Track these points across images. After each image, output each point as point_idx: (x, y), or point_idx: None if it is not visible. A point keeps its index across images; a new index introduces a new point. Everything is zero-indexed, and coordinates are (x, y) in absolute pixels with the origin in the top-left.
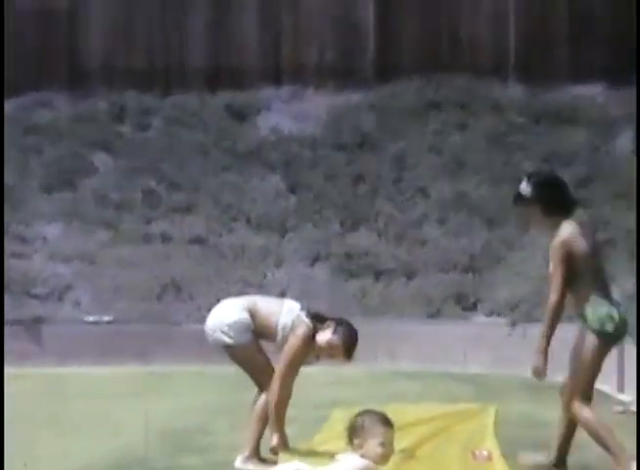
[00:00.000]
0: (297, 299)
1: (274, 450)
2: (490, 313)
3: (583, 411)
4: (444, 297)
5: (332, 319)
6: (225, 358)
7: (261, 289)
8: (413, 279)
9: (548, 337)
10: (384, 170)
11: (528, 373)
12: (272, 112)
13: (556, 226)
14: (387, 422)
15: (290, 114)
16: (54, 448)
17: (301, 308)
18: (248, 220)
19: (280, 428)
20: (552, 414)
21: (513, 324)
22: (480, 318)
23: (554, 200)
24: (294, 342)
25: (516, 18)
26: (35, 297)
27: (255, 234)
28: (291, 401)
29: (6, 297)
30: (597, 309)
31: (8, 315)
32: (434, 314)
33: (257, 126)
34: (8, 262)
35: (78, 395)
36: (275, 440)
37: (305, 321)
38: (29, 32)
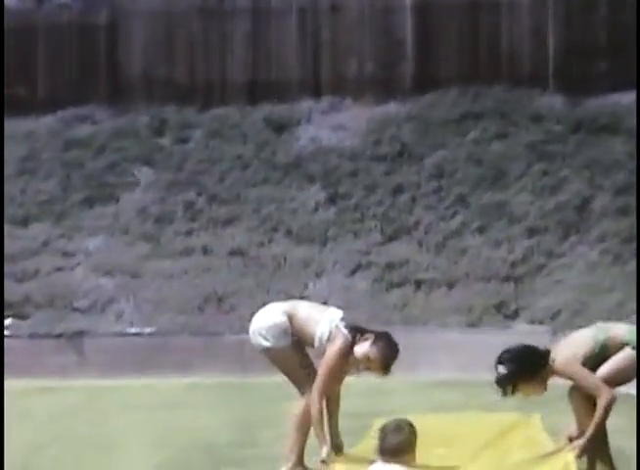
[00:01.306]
0: (338, 309)
1: (324, 462)
2: (531, 322)
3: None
4: (485, 306)
5: (372, 332)
6: (268, 369)
7: (303, 299)
8: (454, 288)
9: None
10: (423, 180)
11: (570, 382)
12: (311, 123)
13: (542, 387)
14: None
15: (329, 125)
16: (97, 462)
17: (342, 318)
18: (288, 232)
19: (324, 439)
20: None
21: (554, 332)
22: (521, 327)
23: (533, 366)
24: (330, 353)
25: (555, 27)
26: (78, 310)
27: (296, 245)
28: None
29: (49, 310)
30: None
31: (51, 329)
32: (475, 323)
33: (297, 138)
34: (50, 276)
35: (120, 407)
36: (324, 451)
37: (344, 332)
38: (70, 47)
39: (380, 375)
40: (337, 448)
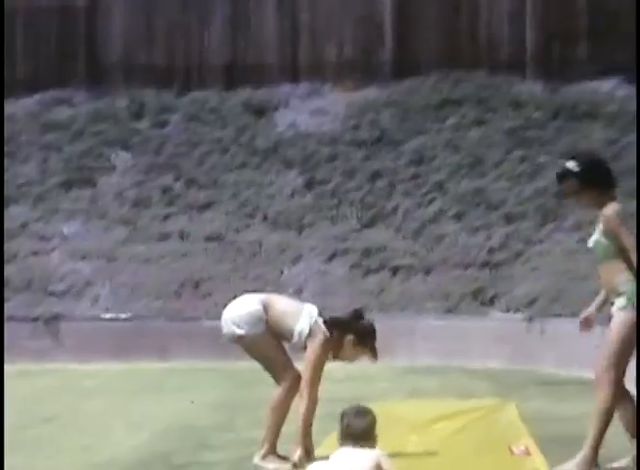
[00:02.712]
0: (315, 295)
1: (295, 466)
2: (508, 309)
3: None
4: (462, 292)
5: (344, 321)
6: (244, 355)
7: (279, 285)
8: (431, 275)
9: None
10: (401, 166)
11: (547, 368)
12: (290, 108)
13: (602, 203)
14: None
15: (308, 110)
16: (74, 445)
17: (319, 314)
18: (265, 217)
19: (306, 440)
20: (570, 410)
21: (531, 319)
22: (498, 314)
23: (600, 176)
24: (315, 349)
25: (534, 13)
26: (54, 294)
27: (273, 231)
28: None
29: (25, 294)
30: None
31: (27, 312)
32: (452, 310)
33: (275, 123)
34: (27, 259)
35: (97, 391)
36: (298, 453)
37: (322, 328)
38: (49, 30)
39: (369, 360)
40: (307, 451)
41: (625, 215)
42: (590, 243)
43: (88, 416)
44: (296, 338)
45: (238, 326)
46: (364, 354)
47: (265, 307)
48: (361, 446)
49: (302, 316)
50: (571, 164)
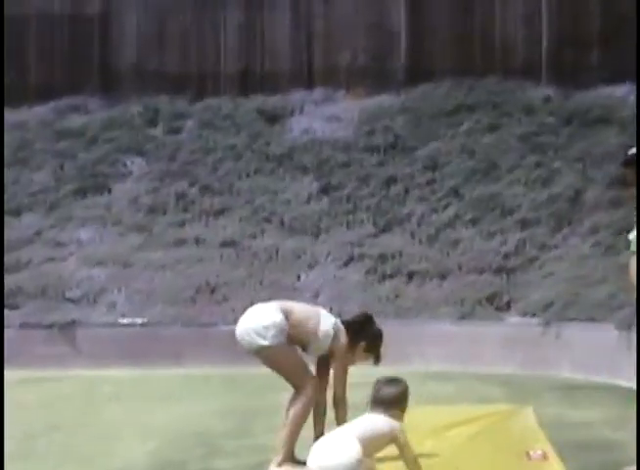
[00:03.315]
0: (330, 300)
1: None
2: (524, 314)
3: None
4: (477, 298)
5: (363, 323)
6: (259, 361)
7: (295, 291)
8: (446, 280)
9: None
10: (416, 172)
11: (562, 373)
12: (304, 114)
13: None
14: None
15: (322, 116)
16: (89, 451)
17: (337, 316)
18: (281, 223)
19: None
20: (586, 415)
21: (546, 324)
22: (513, 319)
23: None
24: (341, 351)
25: (548, 19)
26: (70, 300)
27: (288, 236)
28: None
29: (40, 300)
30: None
31: (43, 319)
32: (468, 315)
33: (290, 129)
34: (42, 266)
35: (113, 397)
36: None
37: (342, 329)
38: (62, 37)
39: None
40: None
41: None
42: (630, 236)
43: (103, 423)
44: (320, 341)
45: (261, 337)
46: (370, 359)
47: (286, 316)
48: (387, 413)
49: (323, 318)
50: (634, 151)
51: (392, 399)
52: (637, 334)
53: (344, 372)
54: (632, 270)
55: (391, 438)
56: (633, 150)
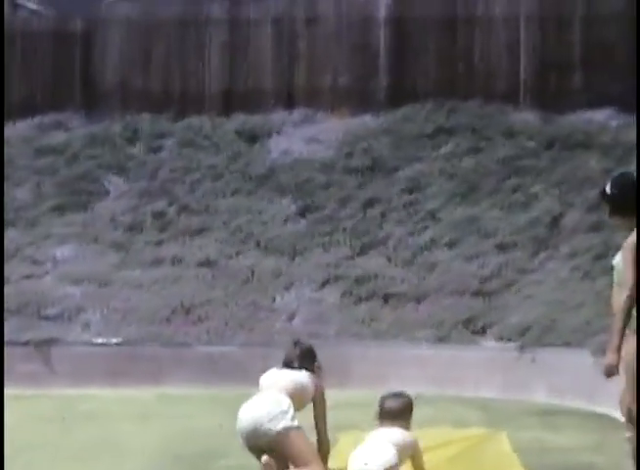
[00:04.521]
0: (306, 322)
1: None
2: (500, 338)
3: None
4: (454, 321)
5: (311, 351)
6: (236, 381)
7: (271, 312)
8: (423, 303)
9: (620, 334)
10: (395, 194)
11: (538, 398)
12: (284, 135)
13: (631, 228)
14: None
15: (302, 137)
16: None
17: (296, 366)
18: (258, 243)
19: None
20: (562, 440)
21: (522, 349)
22: (489, 343)
23: (627, 201)
24: (321, 392)
25: (529, 44)
26: (46, 318)
27: (265, 257)
28: (302, 424)
29: (17, 318)
30: None
31: (19, 336)
32: (444, 338)
33: (269, 149)
34: (19, 283)
35: (88, 416)
36: None
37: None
38: (46, 54)
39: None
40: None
41: None
42: (614, 261)
43: (79, 443)
44: (309, 398)
45: (285, 420)
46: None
47: (291, 396)
48: (395, 425)
49: (300, 378)
50: (607, 186)
51: (398, 411)
52: (637, 336)
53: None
54: (615, 302)
55: (413, 450)
56: (606, 184)
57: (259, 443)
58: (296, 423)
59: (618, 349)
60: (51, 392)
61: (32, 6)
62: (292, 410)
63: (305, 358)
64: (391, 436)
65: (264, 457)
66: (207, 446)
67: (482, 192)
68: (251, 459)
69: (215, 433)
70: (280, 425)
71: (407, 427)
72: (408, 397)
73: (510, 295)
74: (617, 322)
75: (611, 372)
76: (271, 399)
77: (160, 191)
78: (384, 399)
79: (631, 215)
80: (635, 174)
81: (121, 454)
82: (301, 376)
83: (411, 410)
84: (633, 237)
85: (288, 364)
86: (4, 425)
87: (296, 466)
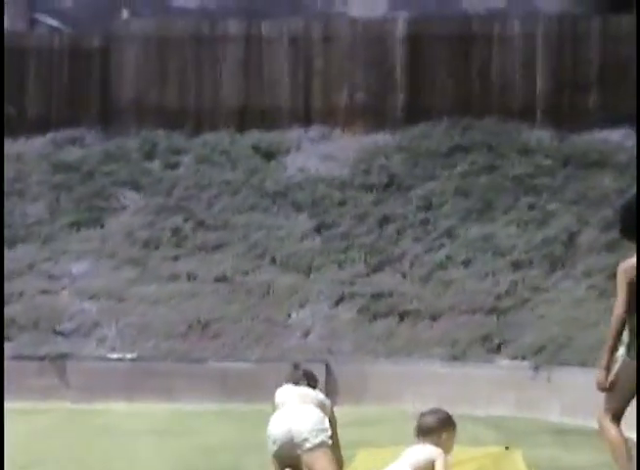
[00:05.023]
0: (321, 339)
1: None
2: (515, 356)
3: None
4: (469, 339)
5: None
6: (250, 397)
7: (286, 328)
8: (438, 320)
9: (610, 351)
10: (411, 212)
11: (552, 417)
12: (301, 152)
13: (630, 250)
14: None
15: (318, 154)
16: None
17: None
18: (274, 260)
19: None
20: (576, 459)
21: (536, 368)
22: (504, 361)
23: (628, 226)
24: (332, 408)
25: (545, 62)
26: (61, 333)
27: (282, 273)
28: None
29: (33, 333)
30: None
31: (34, 351)
32: (459, 356)
33: (286, 166)
34: (35, 298)
35: (103, 431)
36: None
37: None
38: (62, 70)
39: None
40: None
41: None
42: None
43: (93, 457)
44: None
45: (322, 433)
46: None
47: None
48: (426, 442)
49: (318, 396)
50: (619, 209)
51: (428, 428)
52: (637, 343)
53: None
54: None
55: (438, 466)
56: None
57: (293, 453)
58: (330, 441)
59: (607, 367)
60: (65, 406)
61: (51, 22)
62: (329, 427)
63: (311, 379)
64: (415, 454)
65: None
66: (221, 462)
67: (498, 210)
68: None
69: (229, 448)
70: (318, 439)
71: (444, 443)
72: (442, 414)
73: (525, 313)
74: (607, 342)
75: (601, 388)
76: (313, 412)
77: (176, 207)
78: (420, 415)
79: (629, 239)
80: None
81: (135, 469)
82: (318, 393)
83: (444, 426)
84: (626, 262)
85: (297, 383)
86: (4, 425)
87: None
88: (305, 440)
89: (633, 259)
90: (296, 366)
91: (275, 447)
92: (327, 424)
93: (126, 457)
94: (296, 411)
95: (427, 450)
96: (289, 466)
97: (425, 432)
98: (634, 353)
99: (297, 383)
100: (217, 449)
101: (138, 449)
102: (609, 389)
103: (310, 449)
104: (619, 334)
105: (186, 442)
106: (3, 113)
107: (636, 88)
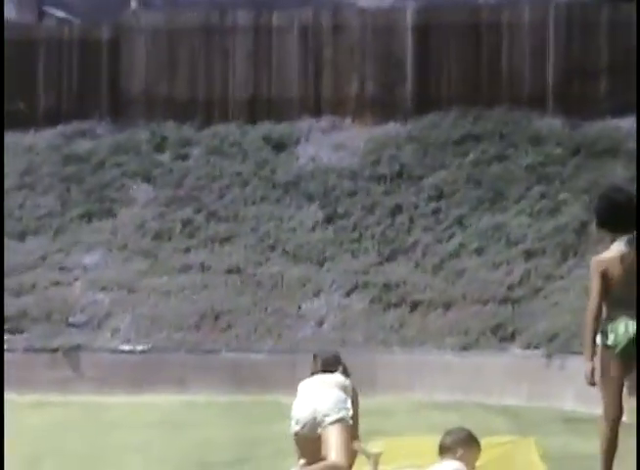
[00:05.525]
0: (334, 329)
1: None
2: (528, 345)
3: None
4: (481, 328)
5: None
6: (262, 388)
7: (299, 319)
8: (450, 310)
9: (589, 346)
10: (422, 201)
11: (566, 405)
12: (311, 142)
13: (610, 242)
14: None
15: (329, 144)
16: None
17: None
18: (286, 250)
19: None
20: (590, 447)
21: (549, 356)
22: (517, 350)
23: (606, 216)
24: (357, 392)
25: (555, 50)
26: (74, 325)
27: (293, 264)
28: None
29: (45, 325)
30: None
31: (47, 343)
32: (471, 346)
33: (296, 157)
34: (47, 291)
35: (115, 423)
36: None
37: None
38: (72, 62)
39: None
40: None
41: (615, 257)
42: None
43: (106, 449)
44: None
45: (344, 409)
46: None
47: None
48: (446, 459)
49: (341, 378)
50: (595, 202)
51: (445, 446)
52: (637, 342)
53: None
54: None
55: None
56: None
57: (314, 433)
58: (350, 420)
59: (590, 359)
60: (78, 398)
61: (60, 14)
62: (350, 407)
63: (330, 365)
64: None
65: (301, 461)
66: (233, 453)
67: (509, 199)
68: (278, 467)
69: (241, 440)
70: (339, 414)
71: (464, 458)
72: (461, 433)
73: (538, 301)
74: (586, 335)
75: (590, 383)
76: (334, 393)
77: (187, 198)
78: (444, 433)
79: (611, 231)
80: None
81: (147, 461)
82: (341, 377)
83: (463, 443)
84: (603, 254)
85: (324, 370)
86: (4, 425)
87: (328, 456)
88: (326, 415)
89: (606, 254)
90: (315, 356)
91: (297, 427)
92: (349, 404)
93: (139, 449)
94: (318, 393)
95: (445, 467)
96: (309, 449)
97: (442, 450)
98: (612, 340)
99: (316, 373)
100: (229, 441)
101: (150, 441)
102: (595, 384)
103: (330, 423)
104: (594, 330)
105: (198, 433)
106: (3, 108)
107: (636, 82)
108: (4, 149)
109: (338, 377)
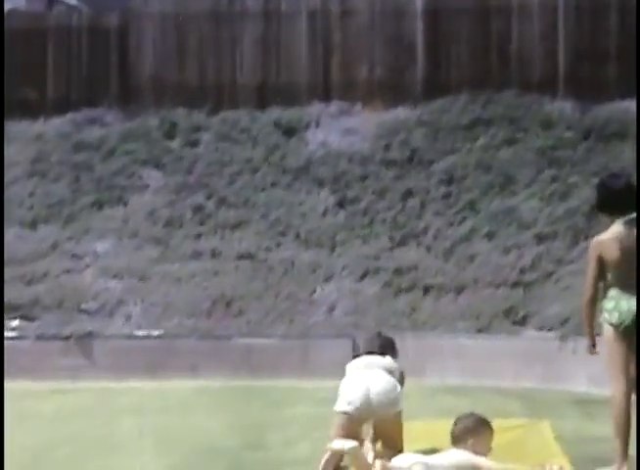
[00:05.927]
0: (346, 314)
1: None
2: (540, 328)
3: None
4: (494, 312)
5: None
6: (275, 373)
7: (311, 304)
8: (462, 294)
9: (588, 324)
10: (432, 186)
11: (579, 388)
12: (321, 127)
13: (609, 225)
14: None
15: (339, 129)
16: (105, 464)
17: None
18: (297, 236)
19: None
20: (603, 429)
21: (563, 339)
22: (529, 333)
23: (603, 201)
24: (404, 376)
25: (565, 33)
26: (86, 312)
27: (304, 249)
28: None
29: (58, 312)
30: (608, 303)
31: (60, 331)
32: (484, 329)
33: (306, 142)
34: (59, 278)
35: (129, 410)
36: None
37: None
38: (81, 49)
39: None
40: None
41: (613, 239)
42: None
43: (120, 435)
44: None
45: (399, 400)
46: None
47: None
48: (464, 447)
49: (390, 361)
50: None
51: (454, 436)
52: (637, 334)
53: None
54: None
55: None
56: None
57: (366, 416)
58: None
59: (591, 334)
60: (91, 385)
61: (69, 1)
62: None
63: (387, 347)
64: (444, 457)
65: (349, 442)
66: (247, 439)
67: (520, 183)
68: (290, 452)
69: (253, 425)
70: (398, 408)
71: (474, 446)
72: (469, 421)
73: (549, 285)
74: (585, 317)
75: (592, 353)
76: (387, 379)
77: (197, 185)
78: (455, 420)
79: (609, 214)
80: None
81: (161, 447)
82: (387, 359)
83: (472, 433)
84: (601, 236)
85: (371, 352)
86: (4, 425)
87: (387, 446)
88: (386, 406)
89: (604, 235)
90: (378, 334)
91: (350, 408)
92: (400, 392)
93: (153, 434)
94: (371, 376)
95: (455, 455)
96: (354, 430)
97: (453, 440)
98: (616, 319)
99: (369, 353)
100: (242, 426)
101: (164, 427)
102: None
103: (390, 416)
104: (591, 312)
105: (210, 418)
106: (3, 98)
107: (636, 72)
108: (3, 138)
109: (385, 360)
